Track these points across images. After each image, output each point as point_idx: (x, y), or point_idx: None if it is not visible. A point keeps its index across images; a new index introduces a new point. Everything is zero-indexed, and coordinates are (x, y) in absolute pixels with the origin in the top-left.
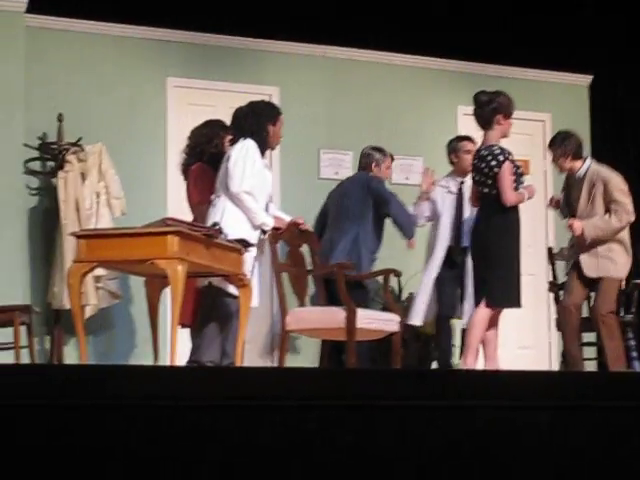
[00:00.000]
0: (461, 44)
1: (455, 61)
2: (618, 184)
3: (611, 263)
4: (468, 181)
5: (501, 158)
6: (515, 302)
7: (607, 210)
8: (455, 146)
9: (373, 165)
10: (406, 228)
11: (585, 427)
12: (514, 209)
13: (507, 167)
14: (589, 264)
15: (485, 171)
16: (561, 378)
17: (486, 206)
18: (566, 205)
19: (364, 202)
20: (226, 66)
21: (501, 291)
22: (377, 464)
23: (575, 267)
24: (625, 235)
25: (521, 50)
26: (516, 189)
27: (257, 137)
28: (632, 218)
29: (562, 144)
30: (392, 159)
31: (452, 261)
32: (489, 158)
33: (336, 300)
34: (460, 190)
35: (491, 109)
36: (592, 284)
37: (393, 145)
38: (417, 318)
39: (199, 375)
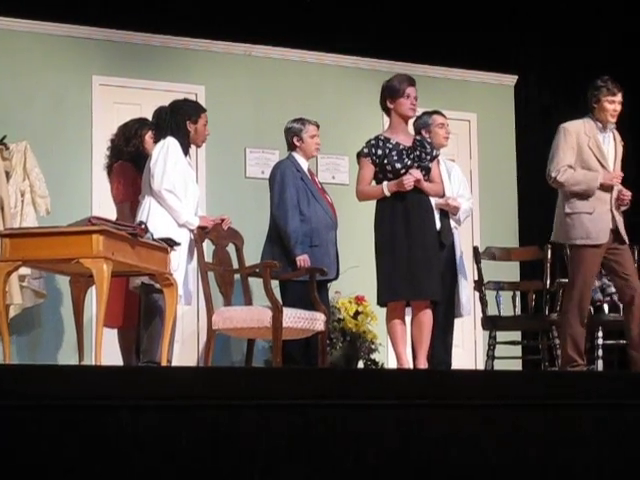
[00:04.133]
0: (389, 44)
1: (384, 61)
2: None
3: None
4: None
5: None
6: (383, 297)
7: None
8: (426, 121)
9: (295, 140)
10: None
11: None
12: (380, 202)
13: (361, 162)
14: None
15: None
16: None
17: None
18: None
19: None
20: (152, 64)
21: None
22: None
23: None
24: None
25: (448, 50)
26: (379, 182)
27: (177, 135)
28: None
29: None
30: (317, 127)
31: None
32: None
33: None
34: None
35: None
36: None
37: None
38: (465, 311)
39: (125, 375)
